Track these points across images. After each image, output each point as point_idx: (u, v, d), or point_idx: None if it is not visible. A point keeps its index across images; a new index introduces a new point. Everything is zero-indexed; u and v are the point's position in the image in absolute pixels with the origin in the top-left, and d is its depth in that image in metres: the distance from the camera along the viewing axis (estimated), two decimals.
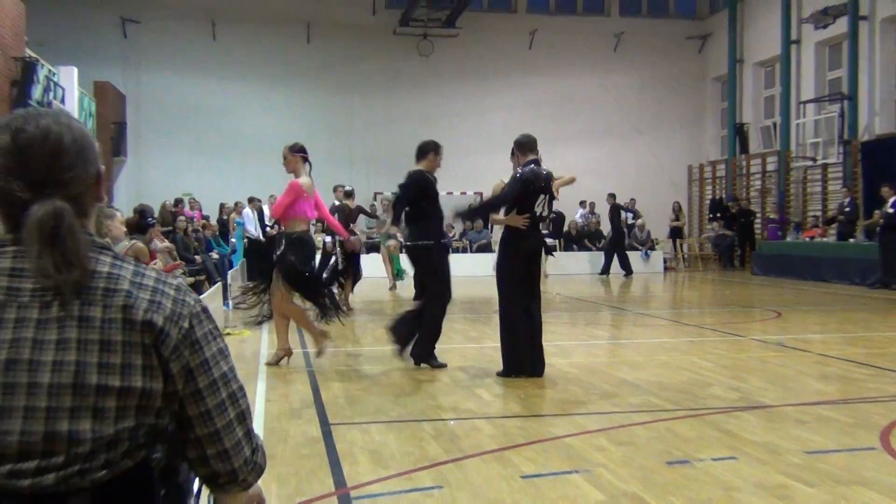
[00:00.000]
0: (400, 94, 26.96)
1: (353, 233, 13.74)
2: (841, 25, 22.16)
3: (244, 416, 1.84)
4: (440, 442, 5.37)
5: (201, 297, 9.61)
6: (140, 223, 10.26)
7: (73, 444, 1.63)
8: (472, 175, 23.68)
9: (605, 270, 22.31)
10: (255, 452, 1.88)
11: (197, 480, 1.91)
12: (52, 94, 17.96)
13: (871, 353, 8.88)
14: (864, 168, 21.04)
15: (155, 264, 7.97)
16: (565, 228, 24.68)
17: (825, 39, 23.43)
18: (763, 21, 25.92)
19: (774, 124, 25.39)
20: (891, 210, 16.23)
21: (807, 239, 20.96)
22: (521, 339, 7.56)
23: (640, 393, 6.89)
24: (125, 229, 8.50)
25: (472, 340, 10.26)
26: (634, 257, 23.34)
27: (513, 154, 8.41)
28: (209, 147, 25.59)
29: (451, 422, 5.96)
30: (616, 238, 22.64)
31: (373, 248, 19.75)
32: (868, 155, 21.12)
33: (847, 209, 19.65)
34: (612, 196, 23.16)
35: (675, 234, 25.78)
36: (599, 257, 23.04)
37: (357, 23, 26.83)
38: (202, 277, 13.18)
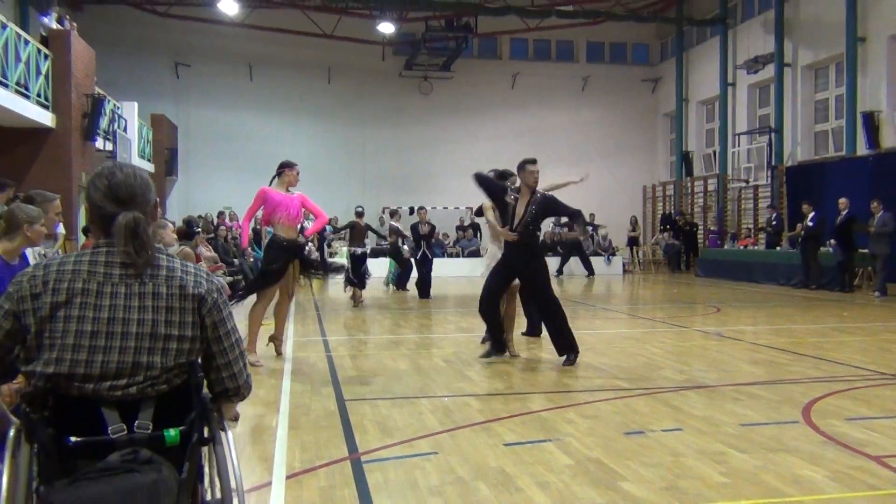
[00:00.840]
0: (405, 125, 26.95)
1: (361, 244, 13.71)
2: (769, 71, 22.17)
3: (244, 354, 2.44)
4: (436, 415, 5.34)
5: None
6: (187, 231, 10.20)
7: (148, 369, 2.23)
8: (465, 193, 23.61)
9: (560, 271, 22.31)
10: (248, 377, 2.47)
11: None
12: (116, 125, 17.92)
13: (793, 342, 8.86)
14: (789, 189, 21.02)
15: (201, 265, 7.90)
16: (541, 238, 24.61)
17: (756, 82, 23.44)
18: (705, 67, 25.93)
19: (714, 152, 25.38)
20: (810, 224, 16.20)
21: (741, 247, 20.92)
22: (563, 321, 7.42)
23: (603, 375, 6.87)
24: (175, 237, 8.47)
25: (462, 331, 10.24)
26: (598, 262, 23.32)
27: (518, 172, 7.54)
28: (246, 168, 25.49)
29: (445, 398, 5.93)
30: (573, 245, 22.52)
31: (379, 253, 19.64)
32: (792, 178, 21.12)
33: (774, 223, 19.62)
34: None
35: (633, 242, 25.75)
36: (571, 262, 22.98)
37: (369, 67, 26.82)
38: (239, 277, 13.11)
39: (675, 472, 4.06)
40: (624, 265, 24.33)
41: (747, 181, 23.03)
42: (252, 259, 15.19)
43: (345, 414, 5.40)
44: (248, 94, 25.88)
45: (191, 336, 2.27)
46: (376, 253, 17.88)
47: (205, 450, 2.37)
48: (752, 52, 22.62)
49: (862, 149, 18.81)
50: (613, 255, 24.00)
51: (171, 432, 2.21)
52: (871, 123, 18.39)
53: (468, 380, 6.71)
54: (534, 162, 7.43)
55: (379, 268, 17.78)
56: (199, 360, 2.37)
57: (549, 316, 7.47)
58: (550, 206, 7.40)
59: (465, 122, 27.29)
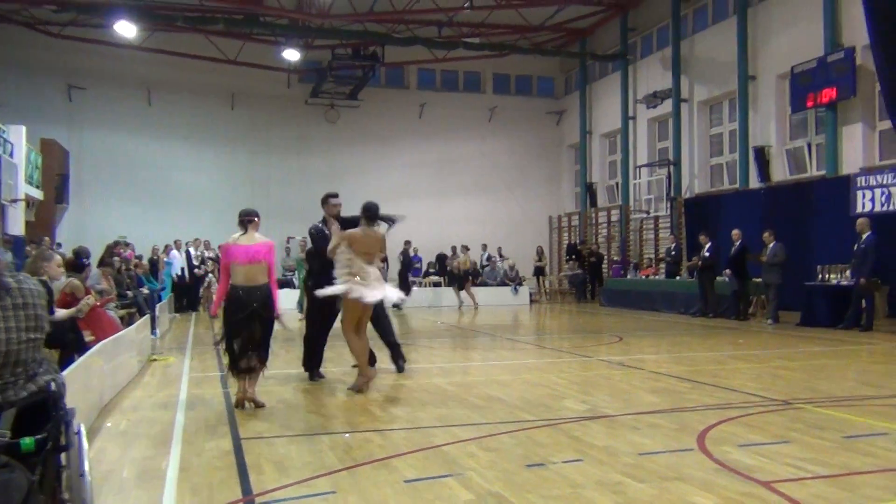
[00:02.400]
0: (311, 154, 26.78)
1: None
2: (667, 106, 23.16)
3: None
4: (336, 452, 5.24)
5: (132, 327, 9.10)
6: (76, 263, 9.76)
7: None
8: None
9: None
10: None
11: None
12: (1, 149, 17.07)
13: (692, 370, 9.16)
14: (687, 220, 21.90)
15: (88, 299, 7.56)
16: (448, 268, 24.72)
17: (655, 116, 24.44)
18: (607, 101, 26.87)
19: (617, 184, 26.25)
20: (707, 254, 16.89)
21: (643, 277, 21.60)
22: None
23: (506, 406, 6.91)
24: (62, 270, 8.08)
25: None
26: (505, 291, 23.63)
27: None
28: (143, 197, 24.79)
29: (346, 434, 5.83)
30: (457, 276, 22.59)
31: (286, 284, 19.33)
32: (690, 209, 22.02)
33: (673, 253, 20.36)
34: (464, 247, 23.54)
35: (539, 272, 26.21)
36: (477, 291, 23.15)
37: (275, 94, 26.60)
38: (133, 310, 12.62)
39: (574, 503, 4.10)
40: (531, 295, 24.71)
41: (648, 212, 23.89)
42: (147, 291, 14.67)
43: (240, 454, 5.24)
44: (146, 119, 25.18)
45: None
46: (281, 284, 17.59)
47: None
48: (652, 88, 23.59)
49: (754, 182, 19.82)
50: (520, 284, 24.36)
51: (27, 440, 2.57)
52: (762, 158, 19.43)
53: (370, 414, 6.64)
54: (336, 196, 8.56)
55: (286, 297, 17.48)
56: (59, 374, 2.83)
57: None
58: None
59: (373, 151, 27.33)
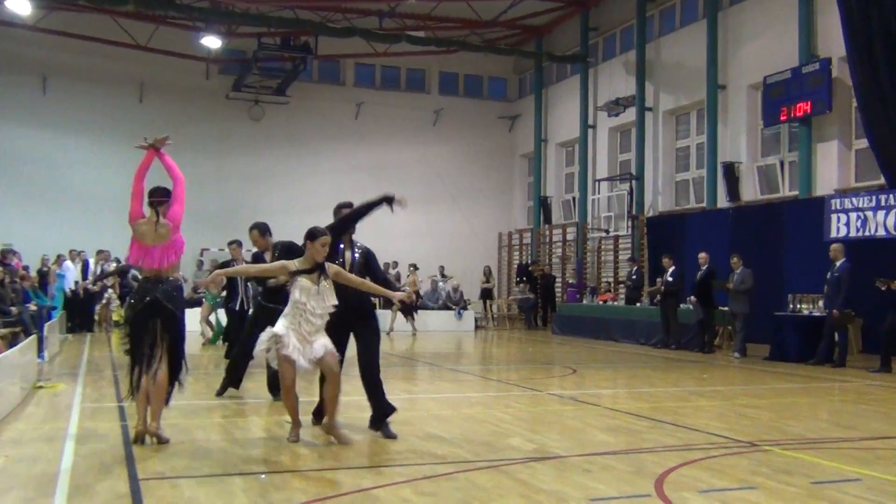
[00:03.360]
0: (231, 154, 26.51)
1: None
2: (630, 114, 23.63)
3: None
4: (249, 496, 5.16)
5: (15, 349, 8.81)
6: None
7: None
8: (300, 233, 23.42)
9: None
10: None
11: None
12: None
13: (651, 407, 9.30)
14: (650, 240, 22.31)
15: None
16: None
17: (617, 125, 24.91)
18: (564, 106, 27.28)
19: (574, 198, 26.62)
20: (670, 279, 17.23)
21: (600, 302, 21.88)
22: None
23: (445, 445, 6.90)
24: None
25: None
26: (448, 316, 23.68)
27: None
28: (32, 197, 24.14)
29: (262, 476, 5.75)
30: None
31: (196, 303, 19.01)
32: (652, 229, 22.45)
33: (634, 276, 20.72)
34: (412, 267, 23.58)
35: (486, 295, 26.33)
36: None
37: (191, 85, 26.29)
38: (18, 329, 12.26)
39: None
40: (476, 320, 24.80)
41: (607, 231, 24.27)
42: (35, 308, 14.28)
43: (138, 497, 5.11)
44: (40, 109, 24.62)
45: None
46: (192, 303, 17.29)
47: None
48: (614, 94, 24.06)
49: (722, 201, 20.33)
50: (465, 308, 24.42)
51: None
52: (731, 175, 19.95)
53: (291, 452, 6.56)
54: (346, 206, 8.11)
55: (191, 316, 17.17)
56: None
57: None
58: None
59: (302, 154, 27.21)
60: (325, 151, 27.58)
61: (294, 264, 6.82)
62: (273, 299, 8.67)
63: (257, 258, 9.63)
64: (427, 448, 6.78)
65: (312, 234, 6.82)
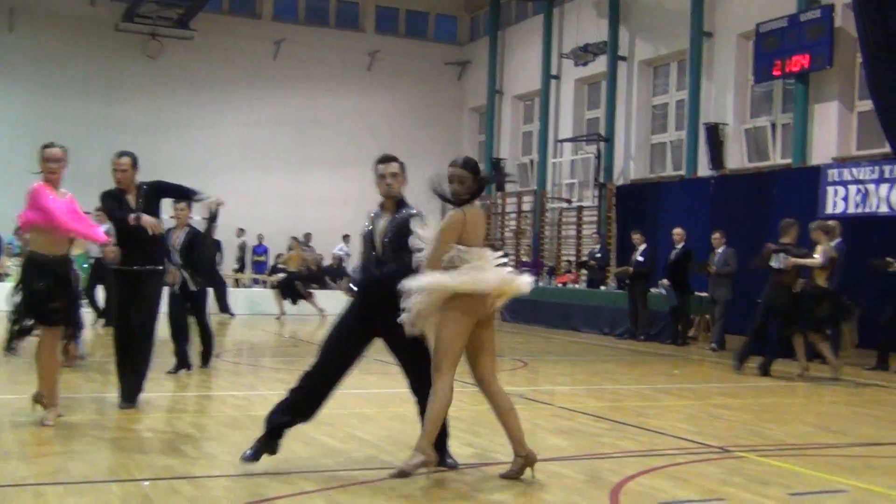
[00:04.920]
0: (121, 99, 26.06)
1: None
2: (600, 64, 23.75)
3: None
4: None
5: None
6: None
7: None
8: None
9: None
10: None
11: None
12: None
13: (611, 407, 9.45)
14: (619, 213, 22.51)
15: None
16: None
17: (585, 77, 25.04)
18: (524, 53, 27.30)
19: (531, 162, 26.73)
20: (640, 258, 17.42)
21: (559, 285, 22.08)
22: None
23: (367, 448, 6.94)
24: None
25: (183, 388, 9.96)
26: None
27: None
28: None
29: (146, 482, 5.72)
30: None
31: None
32: (622, 199, 22.65)
33: (599, 255, 20.91)
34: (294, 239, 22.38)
35: None
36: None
37: (73, 13, 25.74)
38: None
39: None
40: None
41: (570, 201, 24.47)
42: None
43: None
44: None
45: None
46: None
47: None
48: (582, 39, 24.14)
49: (704, 168, 20.61)
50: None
51: None
52: (715, 138, 20.21)
53: (180, 454, 6.55)
54: None
55: None
56: None
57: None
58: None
59: (208, 101, 26.86)
60: (237, 98, 27.24)
61: None
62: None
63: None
64: (345, 452, 6.81)
65: None
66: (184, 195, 9.05)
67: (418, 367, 6.20)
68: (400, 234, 6.31)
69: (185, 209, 10.61)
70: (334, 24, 29.17)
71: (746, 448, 7.34)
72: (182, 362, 10.63)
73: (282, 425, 6.15)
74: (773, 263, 12.11)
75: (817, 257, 11.99)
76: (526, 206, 26.84)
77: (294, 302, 20.71)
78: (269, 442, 6.10)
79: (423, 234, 6.15)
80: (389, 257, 6.32)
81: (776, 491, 5.90)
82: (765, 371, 12.26)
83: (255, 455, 6.04)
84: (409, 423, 8.06)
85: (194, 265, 10.62)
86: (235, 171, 25.90)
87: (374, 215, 6.55)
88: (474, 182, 6.19)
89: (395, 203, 6.50)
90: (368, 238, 6.51)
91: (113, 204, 8.21)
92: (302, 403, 6.21)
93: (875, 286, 14.26)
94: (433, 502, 5.42)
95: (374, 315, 6.21)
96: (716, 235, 16.01)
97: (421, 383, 6.16)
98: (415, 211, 6.44)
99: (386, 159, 6.56)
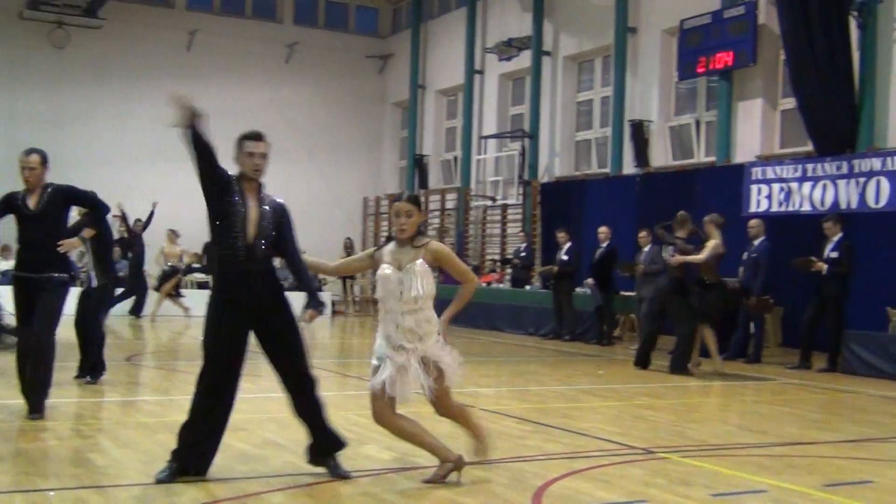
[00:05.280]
0: (25, 91, 25.53)
1: None
2: (525, 59, 23.93)
3: None
4: None
5: None
6: None
7: None
8: (112, 190, 22.77)
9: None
10: None
11: None
12: None
13: (534, 409, 9.55)
14: (543, 211, 22.74)
15: None
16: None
17: (509, 72, 25.20)
18: (447, 47, 27.38)
19: (455, 158, 26.83)
20: (565, 257, 17.61)
21: (483, 284, 22.17)
22: None
23: (284, 454, 6.91)
24: None
25: (93, 393, 9.80)
26: (297, 299, 23.45)
27: None
28: None
29: (51, 493, 5.64)
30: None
31: None
32: (547, 197, 22.89)
33: (524, 254, 21.08)
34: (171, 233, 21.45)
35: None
36: None
37: None
38: None
39: None
40: (333, 304, 24.75)
41: (494, 199, 24.61)
42: None
43: None
44: None
45: None
46: None
47: None
48: (506, 34, 24.30)
49: (629, 166, 20.92)
50: (319, 290, 24.25)
51: None
52: (640, 135, 20.51)
53: (86, 464, 6.45)
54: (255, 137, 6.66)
55: None
56: None
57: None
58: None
59: (117, 93, 26.41)
60: (148, 90, 26.71)
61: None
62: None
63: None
64: (262, 458, 6.78)
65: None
66: (95, 209, 8.85)
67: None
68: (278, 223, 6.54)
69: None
70: (251, 15, 28.91)
71: (670, 449, 7.49)
72: (96, 366, 10.36)
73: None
74: (664, 255, 13.10)
75: (702, 255, 12.54)
76: (450, 204, 26.93)
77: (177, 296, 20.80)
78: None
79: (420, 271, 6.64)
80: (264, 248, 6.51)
81: (698, 492, 6.04)
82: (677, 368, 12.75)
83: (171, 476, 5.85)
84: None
85: (101, 258, 10.26)
86: (144, 165, 25.51)
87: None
88: (419, 216, 6.35)
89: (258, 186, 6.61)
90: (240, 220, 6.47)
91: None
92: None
93: (798, 284, 14.63)
94: None
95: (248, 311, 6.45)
96: (642, 234, 16.23)
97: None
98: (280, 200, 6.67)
99: (257, 136, 6.50)
